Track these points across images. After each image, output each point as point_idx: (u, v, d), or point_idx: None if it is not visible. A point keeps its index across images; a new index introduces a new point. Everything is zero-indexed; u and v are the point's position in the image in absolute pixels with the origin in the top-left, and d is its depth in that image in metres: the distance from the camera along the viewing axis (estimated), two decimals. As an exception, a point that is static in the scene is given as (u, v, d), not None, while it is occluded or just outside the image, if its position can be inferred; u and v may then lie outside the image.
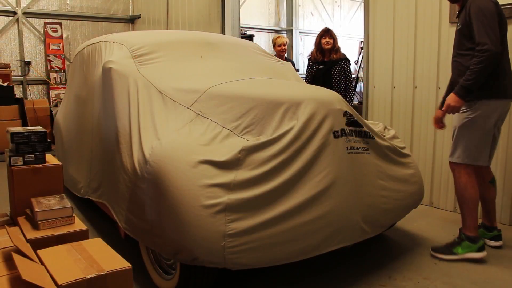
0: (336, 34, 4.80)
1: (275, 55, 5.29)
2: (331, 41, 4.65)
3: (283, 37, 5.46)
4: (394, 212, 2.52)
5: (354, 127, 2.33)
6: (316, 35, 4.79)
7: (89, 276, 1.63)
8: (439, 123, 2.85)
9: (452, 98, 2.57)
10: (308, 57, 4.97)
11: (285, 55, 5.45)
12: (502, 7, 3.16)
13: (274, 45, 5.40)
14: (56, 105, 6.87)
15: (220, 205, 1.88)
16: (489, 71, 2.46)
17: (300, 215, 2.01)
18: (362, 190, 2.28)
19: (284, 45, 5.30)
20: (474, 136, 2.64)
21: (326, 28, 4.80)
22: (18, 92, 7.41)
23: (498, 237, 2.95)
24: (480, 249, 2.71)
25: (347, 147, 2.23)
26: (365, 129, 2.38)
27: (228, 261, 1.86)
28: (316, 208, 2.05)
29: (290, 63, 3.89)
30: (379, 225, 2.40)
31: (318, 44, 4.75)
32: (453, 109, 2.58)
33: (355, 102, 7.24)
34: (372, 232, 2.35)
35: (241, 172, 1.96)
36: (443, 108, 2.64)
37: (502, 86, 2.59)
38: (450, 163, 2.81)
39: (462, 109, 2.62)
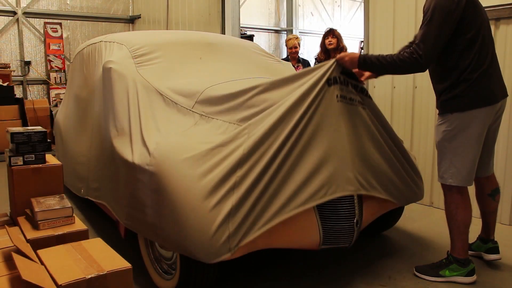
0: (340, 34, 4.81)
1: (287, 56, 5.31)
2: (334, 40, 4.66)
3: (295, 38, 5.39)
4: (388, 182, 2.37)
5: (350, 78, 2.21)
6: (316, 35, 4.82)
7: (89, 276, 1.63)
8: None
9: (352, 55, 2.22)
10: (315, 57, 5.02)
11: (298, 56, 5.41)
12: (502, 7, 3.17)
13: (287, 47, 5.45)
14: (56, 105, 6.87)
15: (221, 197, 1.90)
16: (398, 73, 2.33)
17: (291, 167, 2.00)
18: (353, 141, 2.18)
19: (295, 47, 5.28)
20: (456, 151, 2.32)
21: (329, 28, 4.83)
22: (18, 92, 7.41)
23: (494, 250, 2.68)
24: (470, 273, 2.43)
25: (337, 95, 2.12)
26: (363, 86, 2.25)
27: (232, 243, 1.87)
28: (306, 157, 2.04)
29: (289, 63, 3.89)
30: (372, 185, 2.27)
31: (322, 44, 4.77)
32: (343, 61, 2.18)
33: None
34: (368, 188, 2.24)
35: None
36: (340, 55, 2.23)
37: (488, 91, 2.28)
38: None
39: (438, 121, 2.41)
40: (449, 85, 2.31)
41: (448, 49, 2.27)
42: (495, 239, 2.73)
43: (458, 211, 2.41)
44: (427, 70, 2.35)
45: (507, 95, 2.44)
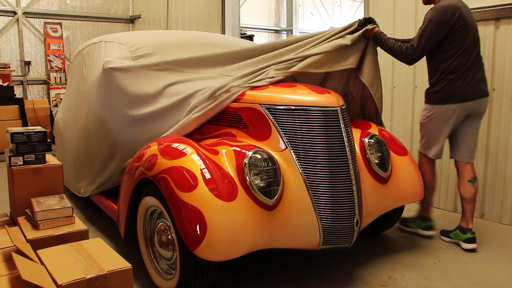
0: None
1: None
2: None
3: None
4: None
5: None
6: None
7: (89, 276, 1.63)
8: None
9: (373, 32, 2.86)
10: None
11: None
12: (502, 7, 3.18)
13: None
14: (56, 105, 6.87)
15: None
16: (394, 57, 2.94)
17: None
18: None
19: None
20: (429, 132, 2.98)
21: (331, 27, 4.82)
22: (18, 92, 7.41)
23: (472, 240, 2.90)
24: (428, 228, 3.10)
25: None
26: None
27: None
28: None
29: None
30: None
31: None
32: (369, 34, 2.86)
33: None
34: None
35: None
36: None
37: (459, 91, 2.80)
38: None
39: (423, 107, 3.03)
40: (432, 82, 2.93)
41: (435, 54, 2.85)
42: (474, 230, 2.99)
43: (425, 176, 2.98)
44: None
45: (487, 95, 2.90)
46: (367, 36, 2.87)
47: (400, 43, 2.87)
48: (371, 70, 2.87)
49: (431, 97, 2.93)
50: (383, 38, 2.87)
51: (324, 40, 2.79)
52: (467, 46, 2.78)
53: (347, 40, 2.76)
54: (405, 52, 2.83)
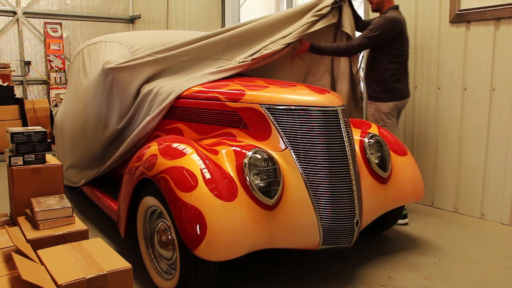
0: None
1: None
2: None
3: None
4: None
5: None
6: None
7: (89, 276, 1.63)
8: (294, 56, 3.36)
9: (307, 45, 3.22)
10: None
11: None
12: (502, 7, 3.19)
13: None
14: (56, 105, 6.86)
15: None
16: (336, 55, 3.38)
17: None
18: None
19: None
20: (377, 122, 3.36)
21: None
22: (18, 92, 7.40)
23: (404, 216, 3.32)
24: (402, 217, 3.27)
25: None
26: None
27: None
28: None
29: None
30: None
31: None
32: (302, 49, 3.25)
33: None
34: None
35: None
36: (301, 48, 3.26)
37: (395, 90, 3.32)
38: None
39: (368, 102, 3.44)
40: (376, 84, 3.36)
41: (379, 60, 3.31)
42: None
43: None
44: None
45: (408, 96, 3.44)
46: (299, 52, 3.26)
47: (337, 43, 3.35)
48: (351, 21, 3.31)
49: (374, 96, 3.38)
50: (321, 46, 3.23)
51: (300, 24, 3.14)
52: (404, 54, 3.33)
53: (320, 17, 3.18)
54: (349, 49, 3.22)
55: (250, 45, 3.13)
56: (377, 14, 3.46)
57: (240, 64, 2.96)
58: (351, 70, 3.45)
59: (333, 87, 3.50)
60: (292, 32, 3.11)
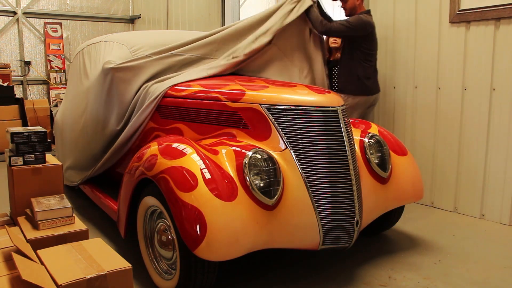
0: None
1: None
2: (339, 40, 4.63)
3: None
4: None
5: None
6: None
7: (89, 276, 1.63)
8: None
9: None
10: None
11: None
12: (502, 7, 3.19)
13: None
14: (56, 105, 6.86)
15: None
16: (315, 26, 3.49)
17: None
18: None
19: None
20: None
21: None
22: (18, 92, 7.40)
23: None
24: None
25: None
26: None
27: None
28: None
29: None
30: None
31: (326, 42, 4.77)
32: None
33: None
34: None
35: None
36: None
37: (365, 86, 3.60)
38: None
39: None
40: (348, 79, 3.63)
41: (352, 58, 3.60)
42: None
43: None
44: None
45: (378, 91, 3.73)
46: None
47: (324, 20, 3.50)
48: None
49: (346, 89, 3.64)
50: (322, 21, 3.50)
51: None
52: (374, 54, 3.67)
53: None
54: (327, 29, 3.46)
55: (236, 42, 3.25)
56: None
57: (233, 61, 3.10)
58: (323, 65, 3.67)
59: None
60: (272, 26, 3.26)
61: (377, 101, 3.81)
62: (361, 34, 3.50)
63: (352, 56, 3.62)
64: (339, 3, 3.76)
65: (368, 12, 3.63)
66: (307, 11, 3.43)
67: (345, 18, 3.64)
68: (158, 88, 2.93)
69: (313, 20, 3.45)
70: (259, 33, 3.22)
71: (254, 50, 3.14)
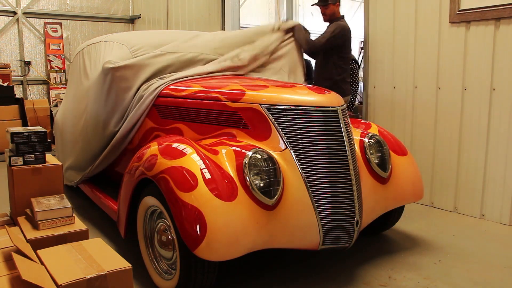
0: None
1: None
2: None
3: None
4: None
5: None
6: (316, 35, 4.78)
7: (89, 276, 1.63)
8: None
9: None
10: None
11: None
12: (502, 7, 3.19)
13: None
14: (56, 105, 6.86)
15: None
16: (303, 44, 3.72)
17: None
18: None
19: None
20: None
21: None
22: (18, 92, 7.40)
23: None
24: None
25: None
26: None
27: None
28: None
29: None
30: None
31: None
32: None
33: (356, 103, 7.22)
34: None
35: None
36: None
37: (340, 89, 3.71)
38: None
39: None
40: (325, 81, 3.79)
41: (329, 62, 3.82)
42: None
43: None
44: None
45: (350, 94, 4.06)
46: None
47: (310, 38, 3.75)
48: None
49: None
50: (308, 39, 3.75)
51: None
52: (348, 59, 3.92)
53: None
54: (315, 46, 3.72)
55: (233, 48, 3.40)
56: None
57: (237, 64, 3.25)
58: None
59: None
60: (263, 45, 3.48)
61: (347, 102, 4.03)
62: (343, 40, 3.73)
63: (327, 61, 3.82)
64: (318, 8, 3.95)
65: (343, 17, 3.90)
66: (294, 32, 3.69)
67: (326, 29, 3.85)
68: (156, 83, 2.95)
69: (300, 40, 3.69)
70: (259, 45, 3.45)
71: (255, 56, 3.35)
